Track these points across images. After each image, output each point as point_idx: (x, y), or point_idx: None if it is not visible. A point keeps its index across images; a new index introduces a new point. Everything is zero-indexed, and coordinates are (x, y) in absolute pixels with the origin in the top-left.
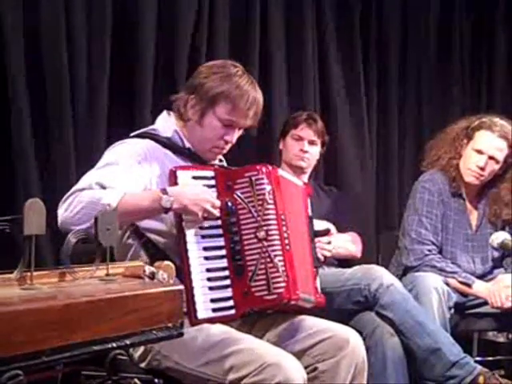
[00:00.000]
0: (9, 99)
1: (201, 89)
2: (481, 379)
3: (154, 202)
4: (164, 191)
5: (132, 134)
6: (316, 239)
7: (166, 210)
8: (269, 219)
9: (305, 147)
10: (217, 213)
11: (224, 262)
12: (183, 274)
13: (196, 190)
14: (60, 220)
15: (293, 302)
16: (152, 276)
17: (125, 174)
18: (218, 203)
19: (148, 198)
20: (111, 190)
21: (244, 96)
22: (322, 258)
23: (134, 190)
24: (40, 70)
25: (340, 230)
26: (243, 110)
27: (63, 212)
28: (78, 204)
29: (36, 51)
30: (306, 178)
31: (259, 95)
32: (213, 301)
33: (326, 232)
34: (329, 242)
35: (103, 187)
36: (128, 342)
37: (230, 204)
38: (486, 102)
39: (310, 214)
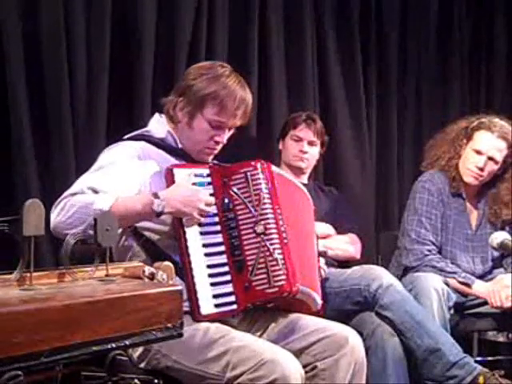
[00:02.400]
0: (8, 100)
1: (189, 91)
2: (481, 379)
3: (146, 206)
4: (155, 195)
5: (126, 137)
6: None
7: (158, 214)
8: (266, 213)
9: (304, 148)
10: (212, 209)
11: (224, 258)
12: (184, 270)
13: (187, 192)
14: (52, 224)
15: (293, 295)
16: (151, 276)
17: (118, 177)
18: (211, 200)
19: (140, 203)
20: (103, 195)
21: (232, 96)
22: None
23: (127, 194)
24: (40, 72)
25: (340, 230)
26: (231, 110)
27: (55, 217)
28: (70, 208)
29: (36, 55)
30: (305, 178)
31: (248, 94)
32: (215, 296)
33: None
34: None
35: (95, 192)
36: (128, 342)
37: (226, 200)
38: (486, 102)
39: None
